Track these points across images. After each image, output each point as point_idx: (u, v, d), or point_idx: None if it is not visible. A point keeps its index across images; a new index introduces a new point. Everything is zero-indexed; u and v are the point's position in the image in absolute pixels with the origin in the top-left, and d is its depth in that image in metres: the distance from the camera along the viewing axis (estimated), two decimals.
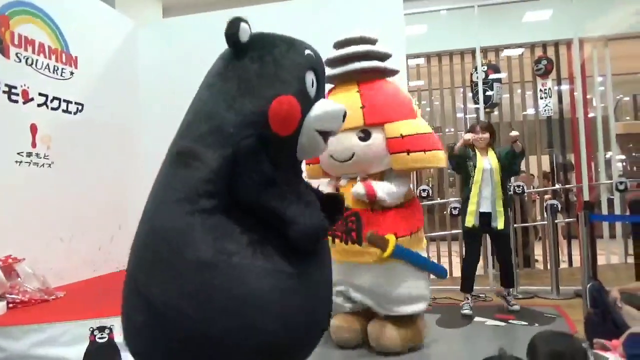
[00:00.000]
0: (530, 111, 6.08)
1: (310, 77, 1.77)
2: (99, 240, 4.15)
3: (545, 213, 4.59)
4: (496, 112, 5.79)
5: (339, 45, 3.20)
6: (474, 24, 5.14)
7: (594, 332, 2.71)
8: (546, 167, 6.06)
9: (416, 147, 2.88)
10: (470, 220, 3.82)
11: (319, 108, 1.77)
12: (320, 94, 1.84)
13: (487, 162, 3.91)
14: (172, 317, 1.52)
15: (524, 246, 5.66)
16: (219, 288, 1.52)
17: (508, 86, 5.81)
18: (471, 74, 5.54)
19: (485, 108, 5.52)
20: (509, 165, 3.88)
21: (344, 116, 1.83)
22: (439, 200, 5.83)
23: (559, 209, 4.64)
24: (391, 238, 2.90)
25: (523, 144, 5.34)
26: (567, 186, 5.53)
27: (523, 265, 5.68)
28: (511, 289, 4.01)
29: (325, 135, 1.81)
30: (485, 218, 3.82)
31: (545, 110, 5.46)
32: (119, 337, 2.27)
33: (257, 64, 1.71)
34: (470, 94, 5.73)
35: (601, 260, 5.28)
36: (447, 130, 6.61)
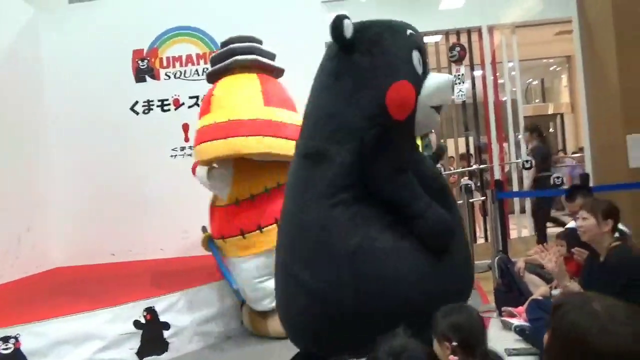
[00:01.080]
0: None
1: (416, 56, 1.86)
2: (4, 244, 3.89)
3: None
4: None
5: (226, 43, 3.43)
6: (395, 12, 5.28)
7: (502, 301, 2.94)
8: (463, 149, 6.39)
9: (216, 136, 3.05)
10: None
11: (431, 85, 1.86)
12: (426, 69, 1.93)
13: None
14: (331, 301, 1.72)
15: None
16: (368, 272, 1.69)
17: None
18: None
19: None
20: None
21: (453, 87, 1.98)
22: None
23: (473, 189, 4.94)
24: (207, 234, 3.22)
25: (441, 128, 5.63)
26: (481, 166, 5.88)
27: None
28: None
29: (438, 109, 1.92)
30: None
31: (459, 96, 5.76)
32: (26, 345, 2.17)
33: (368, 57, 1.81)
34: None
35: (513, 234, 5.70)
36: None
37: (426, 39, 5.91)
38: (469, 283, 2.01)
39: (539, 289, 2.84)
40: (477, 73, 6.13)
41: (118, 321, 2.85)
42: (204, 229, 3.46)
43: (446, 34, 5.94)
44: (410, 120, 1.81)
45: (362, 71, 1.78)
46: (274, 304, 3.12)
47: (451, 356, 1.44)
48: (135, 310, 2.94)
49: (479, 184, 5.97)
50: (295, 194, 1.89)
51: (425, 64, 1.88)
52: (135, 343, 2.90)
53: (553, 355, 0.94)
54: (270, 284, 3.11)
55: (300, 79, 4.44)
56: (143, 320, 2.94)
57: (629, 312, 0.89)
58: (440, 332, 1.48)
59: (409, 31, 1.87)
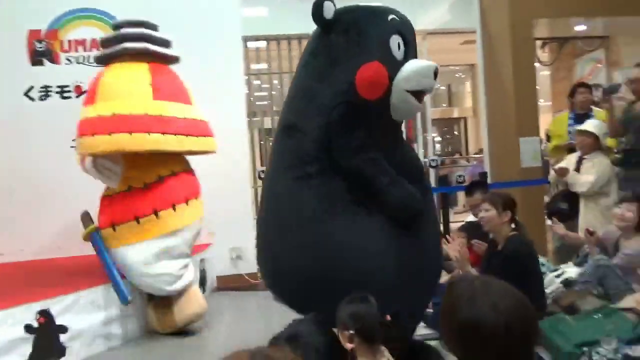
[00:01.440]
0: None
1: (396, 40, 1.87)
2: None
3: None
4: None
5: (117, 26, 3.31)
6: (305, 10, 5.34)
7: None
8: None
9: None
10: None
11: (407, 69, 1.87)
12: (409, 56, 1.92)
13: None
14: (294, 266, 1.79)
15: None
16: (328, 242, 1.75)
17: None
18: None
19: None
20: None
21: (436, 74, 1.88)
22: None
23: None
24: (92, 225, 3.14)
25: None
26: None
27: None
28: None
29: (419, 95, 1.90)
30: None
31: None
32: None
33: (343, 37, 1.86)
34: None
35: None
36: None
37: None
38: (435, 267, 2.05)
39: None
40: None
41: (4, 326, 2.60)
42: (85, 218, 3.23)
43: None
44: (383, 102, 1.87)
45: (336, 50, 1.87)
46: (174, 287, 3.05)
47: (348, 344, 1.48)
48: (26, 314, 2.70)
49: None
50: (271, 162, 2.03)
51: (409, 50, 1.93)
52: (26, 349, 2.66)
53: (442, 332, 0.98)
54: (165, 267, 3.05)
55: (209, 69, 4.44)
56: (36, 324, 2.71)
57: (501, 287, 0.91)
58: (340, 321, 1.52)
59: (391, 16, 1.92)
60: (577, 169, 3.89)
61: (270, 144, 4.55)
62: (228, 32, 4.71)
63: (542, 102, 8.46)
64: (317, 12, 1.87)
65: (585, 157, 3.93)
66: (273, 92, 6.49)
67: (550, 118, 7.67)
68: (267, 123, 6.36)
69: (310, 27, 5.27)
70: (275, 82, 6.52)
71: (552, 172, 4.15)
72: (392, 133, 2.03)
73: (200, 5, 4.66)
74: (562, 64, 6.85)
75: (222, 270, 4.59)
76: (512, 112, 4.77)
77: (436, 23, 5.95)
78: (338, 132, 1.82)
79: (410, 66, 1.89)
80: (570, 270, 3.15)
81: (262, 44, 6.01)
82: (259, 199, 6.12)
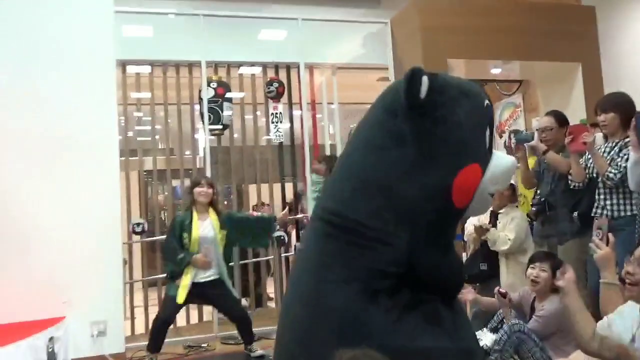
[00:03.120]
0: (265, 137, 6.63)
1: (488, 134, 1.75)
2: None
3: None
4: (227, 134, 6.11)
5: None
6: (201, 35, 5.37)
7: None
8: (280, 196, 6.62)
9: None
10: (182, 295, 3.95)
11: (497, 168, 1.76)
12: (491, 146, 1.80)
13: (207, 229, 4.08)
14: None
15: (255, 285, 6.05)
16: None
17: (240, 107, 6.22)
18: (199, 91, 5.74)
19: (213, 132, 5.78)
20: (255, 237, 4.30)
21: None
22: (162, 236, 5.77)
23: (286, 241, 5.12)
24: None
25: (257, 171, 5.75)
26: (297, 216, 6.16)
27: (255, 305, 6.06)
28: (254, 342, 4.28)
29: (492, 195, 1.85)
30: (200, 288, 4.02)
31: (276, 136, 6.02)
32: None
33: (442, 127, 1.67)
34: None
35: None
36: (186, 153, 6.67)
37: (245, 70, 6.27)
38: None
39: None
40: (297, 113, 6.50)
41: None
42: None
43: (264, 67, 6.22)
44: (466, 207, 1.78)
45: (433, 143, 1.70)
46: None
47: None
48: None
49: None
50: (314, 266, 1.75)
51: (491, 143, 1.83)
52: None
53: None
54: None
55: (75, 95, 4.26)
56: None
57: None
58: None
59: (486, 101, 1.81)
60: (494, 225, 4.13)
61: (153, 187, 4.38)
62: (99, 53, 4.56)
63: None
64: (412, 88, 1.67)
65: (500, 211, 4.19)
66: (157, 127, 6.34)
67: None
68: (149, 163, 6.17)
69: (207, 55, 5.37)
70: (161, 114, 6.38)
71: (468, 229, 4.36)
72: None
73: (69, 21, 4.48)
74: None
75: (79, 350, 4.21)
76: None
77: (346, 58, 6.23)
78: (425, 243, 1.71)
79: (499, 164, 1.81)
80: (486, 337, 3.25)
81: (145, 69, 5.91)
82: (134, 258, 5.86)
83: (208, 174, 5.20)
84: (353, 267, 1.69)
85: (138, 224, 5.02)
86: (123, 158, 5.35)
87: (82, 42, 4.52)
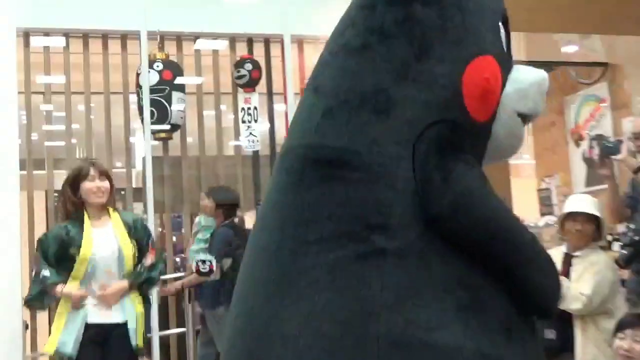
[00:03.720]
0: (233, 142, 6.66)
1: (503, 31, 1.91)
2: None
3: None
4: (177, 139, 6.15)
5: None
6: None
7: None
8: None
9: None
10: (52, 345, 3.81)
11: (522, 78, 1.87)
12: (511, 56, 1.94)
13: (106, 240, 3.95)
14: None
15: None
16: None
17: (196, 99, 6.28)
18: (137, 74, 5.79)
19: (157, 134, 5.80)
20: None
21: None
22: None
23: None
24: None
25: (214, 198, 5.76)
26: None
27: None
28: None
29: (526, 120, 1.92)
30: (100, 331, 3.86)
31: (250, 142, 6.06)
32: None
33: (436, 10, 1.82)
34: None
35: None
36: (116, 165, 6.67)
37: (203, 44, 6.32)
38: None
39: None
40: (280, 108, 6.54)
41: None
42: None
43: (231, 40, 6.28)
44: (488, 128, 1.87)
45: (426, 30, 1.83)
46: None
47: None
48: None
49: None
50: (284, 222, 1.79)
51: (510, 47, 1.97)
52: None
53: None
54: None
55: None
56: None
57: None
58: None
59: None
60: (565, 274, 4.15)
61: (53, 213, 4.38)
62: None
63: (523, 160, 9.13)
64: None
65: (575, 254, 4.21)
66: (75, 126, 6.37)
67: (534, 184, 8.28)
68: (62, 180, 6.16)
69: (149, 22, 5.40)
70: (80, 108, 6.42)
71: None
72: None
73: None
74: (546, 103, 7.46)
75: None
76: None
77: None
78: (438, 172, 1.74)
79: (527, 74, 1.93)
80: None
81: (58, 41, 5.95)
82: (38, 320, 5.82)
83: (149, 195, 5.23)
84: (343, 216, 1.72)
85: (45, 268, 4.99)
86: (24, 172, 5.37)
87: None
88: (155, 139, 5.87)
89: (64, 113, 6.04)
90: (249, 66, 6.10)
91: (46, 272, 3.82)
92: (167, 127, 5.87)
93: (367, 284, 1.65)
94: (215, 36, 6.28)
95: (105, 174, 3.96)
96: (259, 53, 6.31)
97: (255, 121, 6.09)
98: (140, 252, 3.97)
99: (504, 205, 1.81)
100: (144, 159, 5.53)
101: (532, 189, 8.16)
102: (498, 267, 1.74)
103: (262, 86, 6.30)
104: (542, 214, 7.70)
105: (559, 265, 4.23)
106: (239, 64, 6.13)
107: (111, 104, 6.05)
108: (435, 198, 1.69)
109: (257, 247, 1.88)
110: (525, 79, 1.90)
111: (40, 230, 6.08)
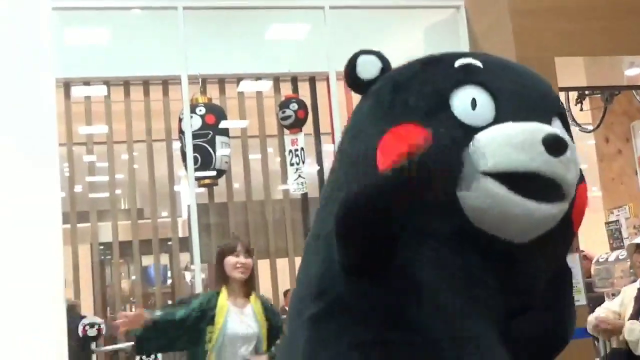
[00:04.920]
0: (282, 187, 6.63)
1: (467, 96, 1.94)
2: None
3: None
4: (223, 185, 6.14)
5: None
6: (179, 36, 5.47)
7: None
8: None
9: None
10: None
11: (490, 135, 1.90)
12: (507, 118, 1.95)
13: (246, 321, 4.01)
14: None
15: None
16: None
17: (241, 142, 6.29)
18: (180, 120, 5.82)
19: (201, 181, 5.80)
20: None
21: (552, 144, 1.89)
22: (126, 344, 5.74)
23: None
24: None
25: (270, 239, 5.71)
26: None
27: None
28: None
29: (513, 180, 1.92)
30: None
31: (298, 184, 6.02)
32: None
33: (370, 100, 2.03)
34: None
35: None
36: (161, 214, 6.71)
37: (244, 86, 6.34)
38: None
39: None
40: (328, 148, 6.51)
41: None
42: None
43: (275, 79, 6.29)
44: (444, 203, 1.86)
45: (363, 116, 2.04)
46: None
47: None
48: None
49: None
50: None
51: (500, 109, 1.94)
52: None
53: None
54: None
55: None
56: None
57: None
58: None
59: (464, 60, 2.00)
60: (638, 314, 4.01)
61: (113, 268, 4.34)
62: (29, 70, 4.66)
63: (590, 193, 8.90)
64: (349, 69, 2.09)
65: None
66: (118, 176, 6.42)
67: (602, 217, 8.05)
68: (107, 232, 6.21)
69: (190, 66, 5.41)
70: (123, 157, 6.48)
71: (591, 320, 4.25)
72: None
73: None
74: (612, 130, 7.31)
75: None
76: None
77: (403, 59, 6.23)
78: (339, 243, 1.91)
79: (493, 131, 1.90)
80: None
81: (99, 90, 6.04)
82: None
83: (195, 243, 5.20)
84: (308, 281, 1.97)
85: (92, 325, 5.01)
86: (68, 225, 5.40)
87: (1, 53, 4.62)
88: (200, 185, 5.87)
89: (106, 163, 6.09)
90: (294, 106, 6.08)
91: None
92: (211, 173, 5.86)
93: (296, 345, 1.93)
94: (258, 76, 6.30)
95: (249, 252, 4.09)
96: (304, 92, 6.30)
97: (303, 163, 6.05)
98: (274, 338, 4.05)
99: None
100: (189, 206, 5.51)
101: (601, 222, 7.94)
102: None
103: (308, 126, 6.27)
104: (613, 249, 7.48)
105: (631, 302, 4.09)
106: (283, 104, 6.12)
107: (154, 152, 6.09)
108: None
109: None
110: (489, 135, 1.86)
111: (85, 285, 6.13)
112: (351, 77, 2.07)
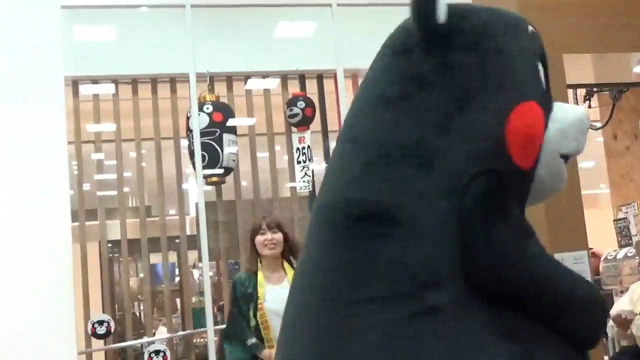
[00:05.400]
0: (289, 184, 6.65)
1: (541, 71, 1.94)
2: None
3: None
4: (230, 183, 6.16)
5: None
6: (189, 35, 5.49)
7: None
8: None
9: None
10: None
11: (562, 117, 1.91)
12: (550, 95, 1.98)
13: (278, 294, 4.02)
14: None
15: None
16: None
17: (249, 140, 6.32)
18: (187, 118, 5.84)
19: (209, 179, 5.82)
20: None
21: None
22: (136, 341, 5.78)
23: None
24: None
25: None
26: None
27: None
28: None
29: (567, 159, 1.95)
30: None
31: (305, 182, 6.03)
32: None
33: (474, 56, 1.85)
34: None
35: None
36: (169, 212, 6.73)
37: (252, 84, 6.36)
38: None
39: None
40: (331, 144, 6.51)
41: None
42: None
43: (283, 77, 6.30)
44: (532, 174, 1.89)
45: (466, 78, 1.87)
46: None
47: None
48: None
49: None
50: (328, 281, 1.80)
51: (548, 85, 2.00)
52: None
53: None
54: None
55: (4, 123, 4.34)
56: None
57: None
58: None
59: (529, 27, 2.00)
60: None
61: (121, 265, 4.39)
62: (38, 68, 4.71)
63: (598, 190, 8.91)
64: (424, 11, 1.84)
65: None
66: (126, 174, 6.45)
67: (610, 214, 8.03)
68: (115, 230, 6.24)
69: (198, 64, 5.45)
70: (131, 155, 6.50)
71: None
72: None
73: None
74: (620, 127, 7.29)
75: None
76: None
77: None
78: (483, 224, 1.78)
79: (567, 113, 1.97)
80: None
81: (107, 88, 6.06)
82: None
83: (204, 241, 5.22)
84: (394, 275, 1.73)
85: (100, 323, 5.03)
86: (76, 223, 5.42)
87: (11, 52, 4.65)
88: (208, 183, 5.88)
89: (115, 161, 6.12)
90: (302, 104, 6.09)
91: (253, 340, 4.06)
92: (219, 171, 5.88)
93: (423, 343, 1.66)
94: (266, 74, 6.32)
95: (278, 226, 4.24)
96: (311, 90, 6.31)
97: (310, 160, 6.07)
98: None
99: (545, 257, 1.80)
100: (196, 204, 5.53)
101: (609, 219, 7.93)
102: (541, 317, 1.78)
103: (316, 124, 6.29)
104: (621, 246, 7.47)
105: None
106: (291, 102, 6.13)
107: (162, 150, 6.11)
108: (475, 258, 1.73)
109: (298, 307, 1.88)
110: (565, 118, 1.93)
111: (94, 282, 6.16)
112: (425, 17, 1.83)
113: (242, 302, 4.14)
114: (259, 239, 4.17)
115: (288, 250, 4.23)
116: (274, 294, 4.07)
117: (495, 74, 1.87)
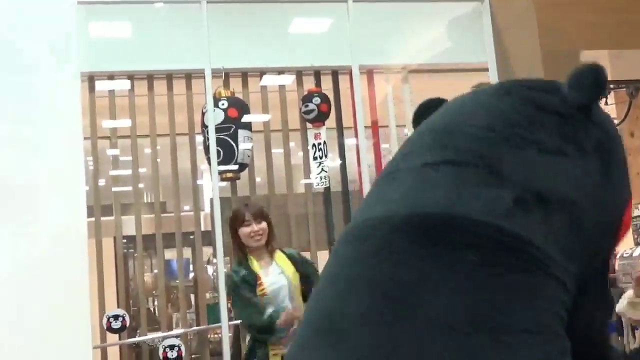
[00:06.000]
0: (304, 181, 6.65)
1: None
2: None
3: None
4: (245, 179, 6.17)
5: None
6: (204, 31, 5.50)
7: None
8: None
9: None
10: None
11: None
12: None
13: (276, 274, 4.15)
14: None
15: None
16: None
17: (264, 136, 6.32)
18: (203, 114, 5.85)
19: (224, 174, 5.83)
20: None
21: None
22: (149, 336, 5.80)
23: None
24: None
25: (292, 233, 5.73)
26: None
27: None
28: None
29: None
30: None
31: (321, 178, 6.03)
32: None
33: (609, 140, 1.91)
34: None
35: None
36: (184, 208, 6.73)
37: (267, 80, 6.36)
38: None
39: None
40: (351, 142, 6.52)
41: None
42: None
43: (298, 73, 6.30)
44: None
45: (608, 159, 1.91)
46: None
47: None
48: None
49: None
50: (453, 320, 1.55)
51: None
52: None
53: None
54: None
55: (21, 119, 4.36)
56: None
57: None
58: None
59: None
60: None
61: (136, 261, 4.40)
62: (54, 64, 4.73)
63: None
64: (596, 88, 1.89)
65: None
66: (141, 170, 6.46)
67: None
68: (130, 226, 6.26)
69: (213, 60, 5.45)
70: (146, 151, 6.52)
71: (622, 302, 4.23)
72: None
73: (9, 19, 4.68)
74: (637, 124, 7.23)
75: None
76: None
77: (425, 54, 6.23)
78: (593, 294, 1.88)
79: None
80: None
81: (122, 84, 6.08)
82: None
83: (218, 236, 5.23)
84: (539, 311, 1.67)
85: (115, 317, 5.06)
86: (92, 219, 5.44)
87: (28, 48, 4.67)
88: (223, 179, 5.89)
89: (130, 157, 6.14)
90: (317, 100, 6.09)
91: (270, 310, 4.05)
92: (234, 167, 5.88)
93: None
94: (281, 70, 6.32)
95: (261, 215, 4.19)
96: (326, 86, 6.31)
97: (326, 157, 6.07)
98: (307, 285, 4.16)
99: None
100: (211, 200, 5.54)
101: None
102: None
103: (331, 120, 6.28)
104: (637, 244, 7.43)
105: None
106: (306, 98, 6.14)
107: (177, 146, 6.13)
108: (587, 325, 1.85)
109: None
110: None
111: (109, 278, 6.18)
112: (591, 96, 1.88)
113: (243, 284, 4.11)
114: (244, 230, 4.12)
115: (272, 237, 4.26)
116: (264, 280, 4.11)
117: (622, 161, 1.92)
